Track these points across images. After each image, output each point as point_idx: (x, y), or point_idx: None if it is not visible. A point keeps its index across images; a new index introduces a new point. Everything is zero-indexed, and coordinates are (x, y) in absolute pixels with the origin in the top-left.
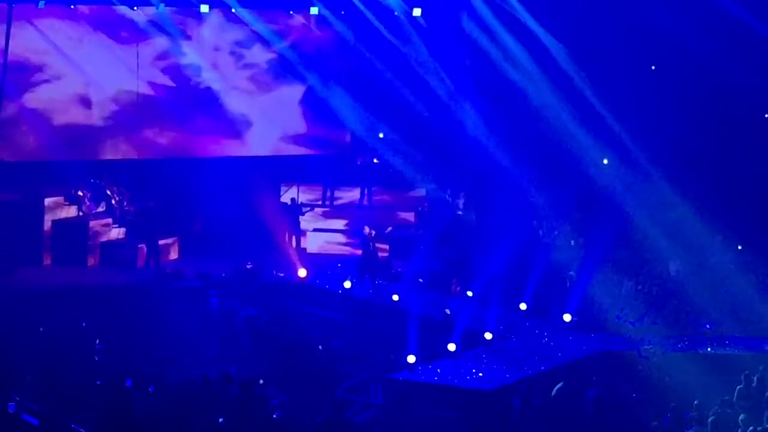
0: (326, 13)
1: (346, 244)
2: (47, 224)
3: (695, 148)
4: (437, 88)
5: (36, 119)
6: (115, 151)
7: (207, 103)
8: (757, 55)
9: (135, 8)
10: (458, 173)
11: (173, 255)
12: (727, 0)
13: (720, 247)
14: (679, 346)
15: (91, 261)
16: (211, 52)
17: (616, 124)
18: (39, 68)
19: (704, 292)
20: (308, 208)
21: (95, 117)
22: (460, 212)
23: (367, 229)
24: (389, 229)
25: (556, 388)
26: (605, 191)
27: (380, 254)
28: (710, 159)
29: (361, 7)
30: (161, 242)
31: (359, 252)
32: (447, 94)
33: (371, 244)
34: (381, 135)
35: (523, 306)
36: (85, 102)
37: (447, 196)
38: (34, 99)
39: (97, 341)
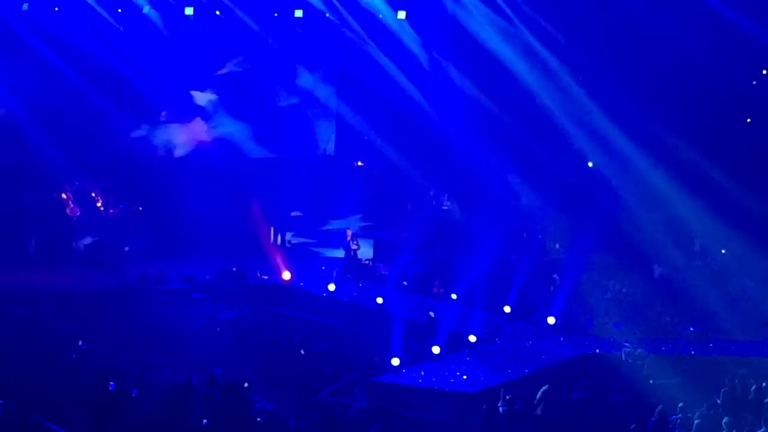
0: (311, 16)
1: (329, 246)
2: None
3: (684, 151)
4: (425, 88)
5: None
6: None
7: (191, 101)
8: (749, 56)
9: (119, 10)
10: (444, 174)
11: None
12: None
13: (704, 250)
14: (663, 349)
15: (74, 263)
16: (199, 50)
17: (604, 126)
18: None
19: (688, 295)
20: (294, 211)
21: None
22: (445, 209)
23: (348, 233)
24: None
25: (540, 390)
26: (591, 194)
27: (364, 258)
28: (699, 162)
29: (344, 12)
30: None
31: (342, 255)
32: (435, 94)
33: (352, 247)
34: (366, 137)
35: (507, 309)
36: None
37: (432, 197)
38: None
39: (80, 342)
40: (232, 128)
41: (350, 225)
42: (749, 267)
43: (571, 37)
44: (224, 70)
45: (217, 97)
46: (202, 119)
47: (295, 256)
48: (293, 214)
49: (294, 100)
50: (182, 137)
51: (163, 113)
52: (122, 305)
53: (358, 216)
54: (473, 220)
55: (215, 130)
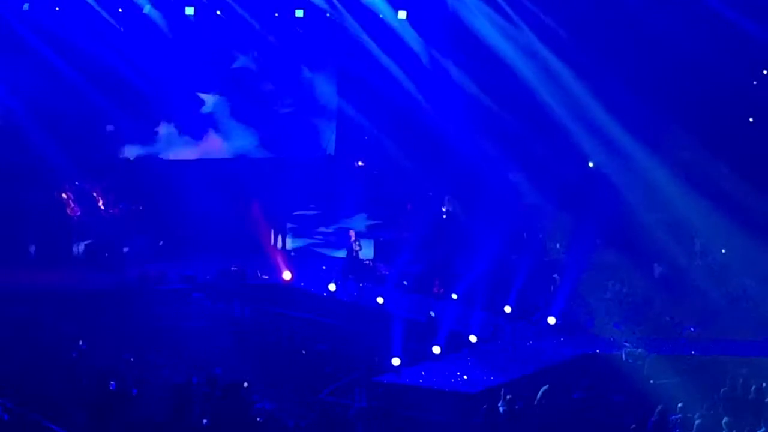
0: (312, 15)
1: (330, 246)
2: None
3: (685, 150)
4: (426, 88)
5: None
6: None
7: (192, 103)
8: (749, 56)
9: (119, 10)
10: (444, 174)
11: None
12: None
13: (704, 250)
14: (663, 349)
15: (75, 263)
16: (200, 50)
17: (605, 125)
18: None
19: (688, 295)
20: (296, 211)
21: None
22: (445, 208)
23: (351, 233)
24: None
25: (540, 390)
26: (591, 193)
27: (364, 258)
28: (699, 161)
29: (344, 12)
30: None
31: (343, 255)
32: (435, 94)
33: (354, 247)
34: (366, 137)
35: (507, 309)
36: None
37: (432, 197)
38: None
39: (80, 342)
40: (239, 134)
41: (354, 225)
42: (750, 266)
43: (572, 36)
44: (225, 70)
45: (219, 98)
46: (213, 130)
47: (296, 257)
48: (295, 213)
49: (294, 100)
50: (195, 155)
51: (167, 126)
52: (122, 305)
53: (363, 216)
54: (473, 219)
55: (227, 143)
